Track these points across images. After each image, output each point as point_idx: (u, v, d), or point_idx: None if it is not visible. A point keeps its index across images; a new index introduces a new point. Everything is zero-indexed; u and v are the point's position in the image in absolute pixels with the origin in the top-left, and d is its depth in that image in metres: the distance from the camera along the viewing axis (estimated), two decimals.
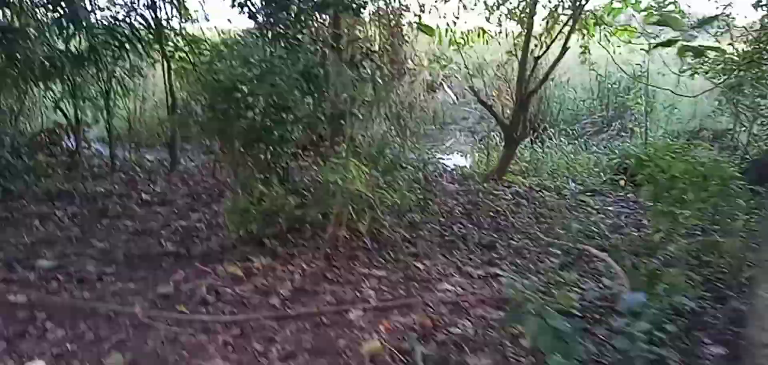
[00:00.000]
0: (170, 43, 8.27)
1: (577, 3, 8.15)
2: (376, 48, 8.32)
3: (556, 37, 8.44)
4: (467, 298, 3.97)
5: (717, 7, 8.15)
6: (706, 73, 8.62)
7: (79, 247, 5.06)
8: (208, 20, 8.92)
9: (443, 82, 13.43)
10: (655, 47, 8.30)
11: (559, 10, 8.56)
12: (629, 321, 2.62)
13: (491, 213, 6.55)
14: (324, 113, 6.01)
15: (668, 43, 8.55)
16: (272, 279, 4.32)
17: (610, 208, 7.14)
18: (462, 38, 9.58)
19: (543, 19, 8.72)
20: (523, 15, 8.68)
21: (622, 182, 8.25)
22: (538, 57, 8.45)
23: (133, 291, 4.18)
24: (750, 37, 8.29)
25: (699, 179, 4.79)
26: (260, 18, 6.35)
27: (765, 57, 8.08)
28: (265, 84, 4.77)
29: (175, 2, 8.26)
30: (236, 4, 6.34)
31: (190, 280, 4.31)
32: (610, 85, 11.39)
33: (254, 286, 4.20)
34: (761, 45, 8.12)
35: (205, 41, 8.16)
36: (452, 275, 4.49)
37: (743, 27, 8.38)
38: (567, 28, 8.17)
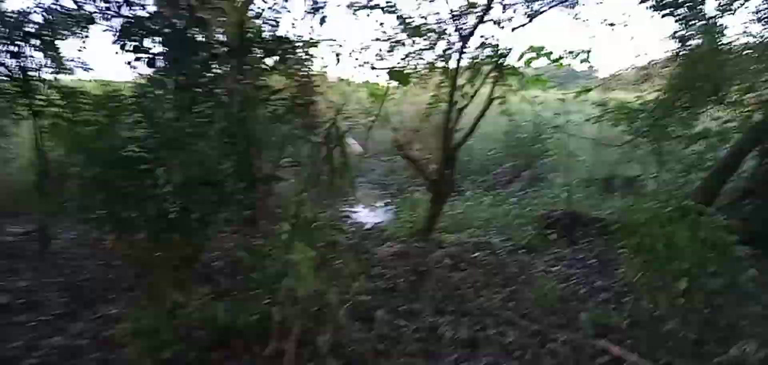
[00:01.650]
0: (41, 96, 6.34)
1: (499, 55, 7.43)
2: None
3: (479, 87, 7.66)
4: None
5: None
6: (613, 122, 8.42)
7: None
8: (87, 70, 7.05)
9: (348, 135, 12.31)
10: (577, 95, 7.83)
11: (481, 61, 7.78)
12: None
13: (441, 284, 5.37)
14: (248, 178, 4.58)
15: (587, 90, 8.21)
16: None
17: (556, 269, 6.23)
18: (379, 89, 8.51)
19: (465, 70, 7.87)
20: (445, 67, 7.83)
21: (551, 237, 7.45)
22: (462, 108, 7.57)
23: None
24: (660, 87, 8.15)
25: (699, 248, 3.97)
26: (160, 64, 4.78)
27: (676, 104, 7.91)
28: (180, 152, 3.24)
29: (46, 51, 6.37)
30: (129, 48, 4.73)
31: None
32: (517, 136, 10.81)
33: None
34: (671, 94, 7.95)
35: (86, 94, 6.32)
36: None
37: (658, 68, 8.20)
38: (490, 80, 7.43)
